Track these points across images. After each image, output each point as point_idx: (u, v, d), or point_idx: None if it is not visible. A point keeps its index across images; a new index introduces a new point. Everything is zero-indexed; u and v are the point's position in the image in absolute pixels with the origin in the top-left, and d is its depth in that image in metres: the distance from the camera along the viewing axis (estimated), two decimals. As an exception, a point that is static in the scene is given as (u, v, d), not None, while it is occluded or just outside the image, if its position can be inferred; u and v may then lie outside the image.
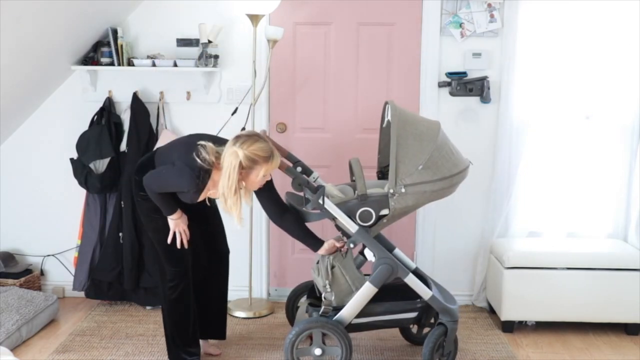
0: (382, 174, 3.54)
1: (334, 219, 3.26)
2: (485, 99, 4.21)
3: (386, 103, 3.39)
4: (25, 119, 4.38)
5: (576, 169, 4.25)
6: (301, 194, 3.30)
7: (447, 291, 3.51)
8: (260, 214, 4.38)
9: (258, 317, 4.20)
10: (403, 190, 3.16)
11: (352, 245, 3.28)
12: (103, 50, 4.21)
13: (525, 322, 4.08)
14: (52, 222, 4.46)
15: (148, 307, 4.29)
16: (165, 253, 3.36)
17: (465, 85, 4.20)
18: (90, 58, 4.26)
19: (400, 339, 3.81)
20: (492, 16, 4.16)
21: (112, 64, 4.20)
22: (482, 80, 4.19)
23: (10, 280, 4.24)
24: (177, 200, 3.24)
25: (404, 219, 4.39)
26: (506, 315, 3.97)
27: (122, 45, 4.16)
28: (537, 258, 3.95)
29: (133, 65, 4.17)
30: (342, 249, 3.33)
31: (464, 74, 4.21)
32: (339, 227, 3.39)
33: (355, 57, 4.30)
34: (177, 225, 3.27)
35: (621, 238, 4.28)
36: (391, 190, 3.17)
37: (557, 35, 4.11)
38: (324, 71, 4.32)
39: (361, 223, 3.23)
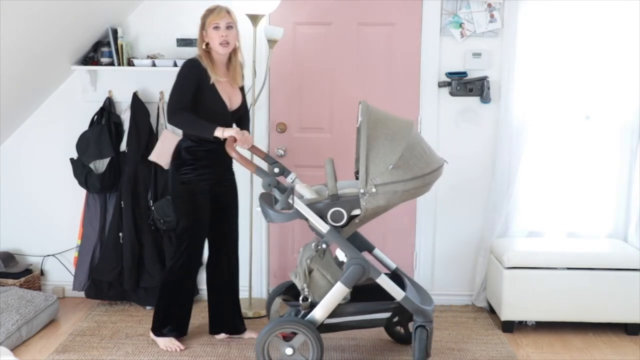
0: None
1: (307, 219, 3.27)
2: (485, 99, 4.21)
3: (360, 103, 3.38)
4: (25, 119, 4.38)
5: (576, 168, 4.25)
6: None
7: (426, 292, 3.52)
8: (259, 215, 4.37)
9: (258, 317, 4.20)
10: (374, 190, 3.17)
11: (324, 246, 3.29)
12: (103, 50, 4.21)
13: (525, 322, 4.08)
14: (52, 222, 4.46)
15: (148, 307, 4.29)
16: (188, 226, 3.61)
17: (465, 85, 4.20)
18: (90, 58, 4.26)
19: (385, 336, 3.83)
20: (492, 16, 4.16)
21: (112, 64, 4.20)
22: (482, 80, 4.19)
23: (10, 280, 4.24)
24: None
25: (403, 219, 4.42)
26: (506, 315, 3.97)
27: (122, 45, 4.16)
28: (537, 258, 3.95)
29: (133, 65, 4.17)
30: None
31: (464, 74, 4.21)
32: (312, 228, 3.40)
33: (355, 57, 4.30)
34: (228, 131, 3.37)
35: (621, 238, 4.28)
36: (362, 190, 3.17)
37: (557, 35, 4.11)
38: (324, 71, 4.32)
39: (333, 223, 3.24)
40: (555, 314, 3.96)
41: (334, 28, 4.29)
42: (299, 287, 3.36)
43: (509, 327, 4.01)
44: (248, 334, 3.88)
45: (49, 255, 4.51)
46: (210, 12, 3.52)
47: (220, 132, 3.37)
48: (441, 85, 4.23)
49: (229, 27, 3.51)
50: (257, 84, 4.15)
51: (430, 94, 4.26)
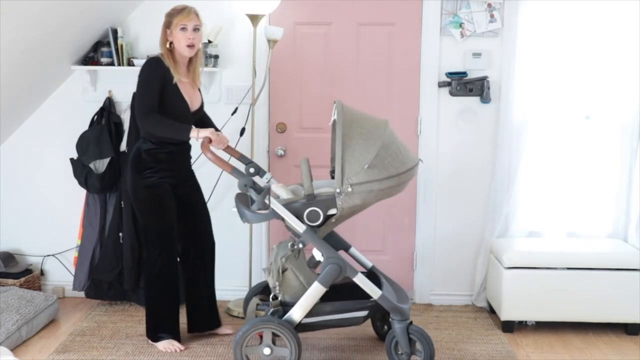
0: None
1: (283, 219, 3.28)
2: (485, 99, 4.21)
3: (334, 102, 3.39)
4: (25, 119, 4.38)
5: (576, 168, 4.25)
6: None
7: (403, 290, 3.53)
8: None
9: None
10: (350, 189, 3.18)
11: (301, 245, 3.29)
12: (103, 50, 4.21)
13: (525, 322, 4.08)
14: (52, 222, 4.46)
15: (148, 307, 4.29)
16: (155, 232, 3.59)
17: (465, 85, 4.20)
18: (90, 58, 4.27)
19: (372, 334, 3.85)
20: (492, 16, 4.16)
21: (112, 64, 4.20)
22: (482, 80, 4.19)
23: (10, 280, 4.24)
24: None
25: (404, 219, 4.41)
26: (506, 315, 3.97)
27: (122, 45, 4.16)
28: (537, 258, 3.95)
29: (133, 65, 4.17)
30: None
31: (464, 74, 4.21)
32: (289, 228, 3.40)
33: (355, 57, 4.30)
34: (203, 132, 3.37)
35: (621, 238, 4.28)
36: (338, 190, 3.18)
37: (557, 35, 4.11)
38: (324, 71, 4.32)
39: (309, 223, 3.25)
40: (555, 314, 3.96)
41: (334, 28, 4.29)
42: (271, 285, 3.36)
43: (509, 327, 4.01)
44: (223, 330, 3.89)
45: (49, 255, 4.51)
46: (178, 12, 3.45)
47: (195, 133, 3.37)
48: (441, 85, 4.23)
49: (195, 30, 3.48)
50: (257, 84, 4.15)
51: (430, 94, 4.26)
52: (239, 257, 4.37)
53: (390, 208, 4.38)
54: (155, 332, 3.70)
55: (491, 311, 4.27)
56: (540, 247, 4.10)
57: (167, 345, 3.66)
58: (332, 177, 3.56)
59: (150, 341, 3.73)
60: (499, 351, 3.74)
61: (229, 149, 3.63)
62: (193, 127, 3.40)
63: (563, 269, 3.93)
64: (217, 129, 3.70)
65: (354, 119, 3.27)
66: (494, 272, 4.15)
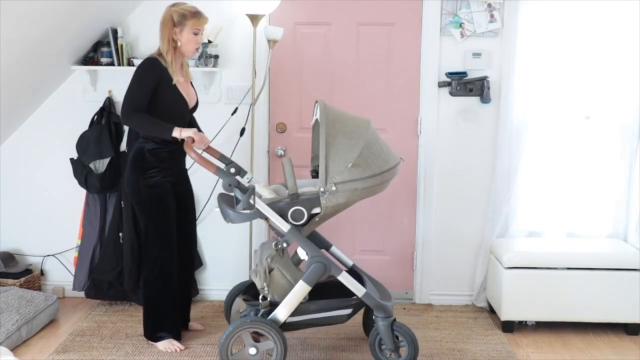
0: (316, 172, 3.54)
1: (267, 219, 3.28)
2: (485, 99, 4.21)
3: (316, 102, 3.38)
4: (25, 119, 4.38)
5: (576, 168, 4.26)
6: (232, 194, 3.31)
7: (385, 288, 3.54)
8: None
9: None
10: (334, 188, 3.19)
11: (285, 245, 3.29)
12: (103, 50, 4.21)
13: (525, 322, 4.08)
14: (52, 222, 4.46)
15: (148, 307, 4.29)
16: (156, 232, 3.60)
17: (465, 85, 4.20)
18: (90, 58, 4.27)
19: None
20: (492, 16, 4.16)
21: (112, 64, 4.20)
22: (482, 80, 4.19)
23: (10, 280, 4.24)
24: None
25: (403, 219, 4.42)
26: (506, 315, 3.97)
27: (122, 45, 4.16)
28: (537, 258, 3.95)
29: (133, 65, 4.16)
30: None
31: (464, 74, 4.21)
32: (272, 227, 3.40)
33: (355, 57, 4.30)
34: (185, 132, 3.38)
35: (621, 238, 4.28)
36: (322, 189, 3.19)
37: (557, 35, 4.11)
38: (324, 71, 4.32)
39: (293, 222, 3.25)
40: (555, 314, 3.96)
41: (334, 28, 4.29)
42: (259, 287, 3.36)
43: (509, 327, 4.01)
44: (194, 326, 3.97)
45: (49, 255, 4.51)
46: (193, 15, 3.51)
47: (178, 133, 3.38)
48: (441, 85, 4.23)
49: (202, 34, 3.58)
50: (257, 84, 4.15)
51: (430, 94, 4.26)
52: (239, 257, 4.37)
53: (390, 208, 4.38)
54: (155, 331, 3.69)
55: (491, 311, 4.27)
56: (540, 247, 4.10)
57: (167, 345, 3.66)
58: (313, 177, 3.58)
59: (149, 341, 3.72)
60: (499, 351, 3.74)
61: (209, 149, 3.63)
62: (176, 126, 3.40)
63: (563, 269, 3.93)
64: (199, 129, 3.70)
65: (337, 118, 3.28)
66: (494, 272, 4.15)
